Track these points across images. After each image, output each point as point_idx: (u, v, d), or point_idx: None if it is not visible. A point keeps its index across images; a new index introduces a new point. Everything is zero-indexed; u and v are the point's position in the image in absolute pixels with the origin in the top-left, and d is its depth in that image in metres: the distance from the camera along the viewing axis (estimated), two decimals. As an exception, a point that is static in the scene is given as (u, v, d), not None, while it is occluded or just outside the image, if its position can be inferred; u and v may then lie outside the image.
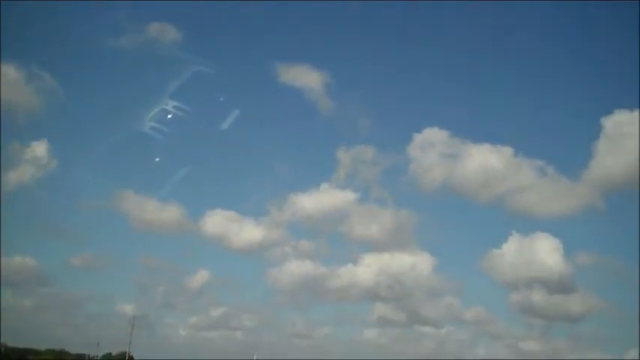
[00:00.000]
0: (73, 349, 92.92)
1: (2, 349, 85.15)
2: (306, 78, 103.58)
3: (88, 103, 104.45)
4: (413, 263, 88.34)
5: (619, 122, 78.82)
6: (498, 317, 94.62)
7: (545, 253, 78.41)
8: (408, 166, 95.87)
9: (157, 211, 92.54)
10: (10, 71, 79.08)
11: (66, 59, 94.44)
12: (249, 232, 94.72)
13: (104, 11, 68.70)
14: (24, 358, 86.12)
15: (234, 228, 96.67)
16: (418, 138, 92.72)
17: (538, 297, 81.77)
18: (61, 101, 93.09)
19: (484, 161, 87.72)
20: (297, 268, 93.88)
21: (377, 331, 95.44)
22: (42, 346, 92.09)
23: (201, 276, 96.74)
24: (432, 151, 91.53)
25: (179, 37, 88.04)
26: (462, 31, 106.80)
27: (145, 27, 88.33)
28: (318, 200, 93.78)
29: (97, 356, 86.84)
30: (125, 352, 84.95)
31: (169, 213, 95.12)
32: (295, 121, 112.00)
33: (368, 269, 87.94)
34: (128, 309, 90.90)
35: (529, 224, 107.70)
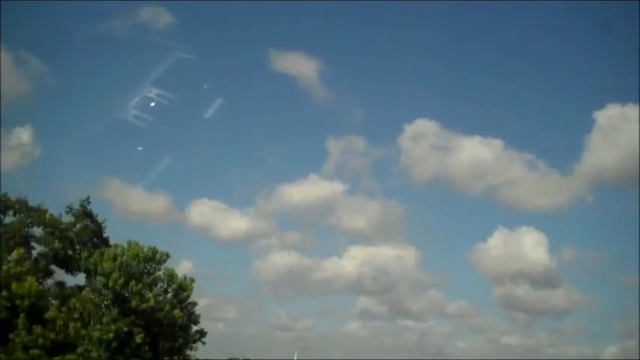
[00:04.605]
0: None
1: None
2: (300, 65, 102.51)
3: (75, 88, 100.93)
4: (398, 256, 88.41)
5: (611, 116, 79.48)
6: (481, 311, 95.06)
7: (531, 247, 79.24)
8: (399, 157, 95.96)
9: (142, 200, 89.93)
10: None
11: (55, 43, 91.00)
12: (235, 223, 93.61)
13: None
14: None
15: (220, 218, 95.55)
16: (409, 129, 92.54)
17: (522, 291, 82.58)
18: (47, 86, 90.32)
19: (474, 154, 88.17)
20: (282, 260, 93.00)
21: (359, 324, 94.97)
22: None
23: (185, 267, 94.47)
24: (422, 142, 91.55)
25: (172, 21, 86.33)
26: (457, 23, 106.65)
27: (139, 10, 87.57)
28: (306, 191, 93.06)
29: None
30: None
31: (155, 202, 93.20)
32: (287, 109, 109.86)
33: (353, 262, 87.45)
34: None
35: (517, 218, 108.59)
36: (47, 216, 41.38)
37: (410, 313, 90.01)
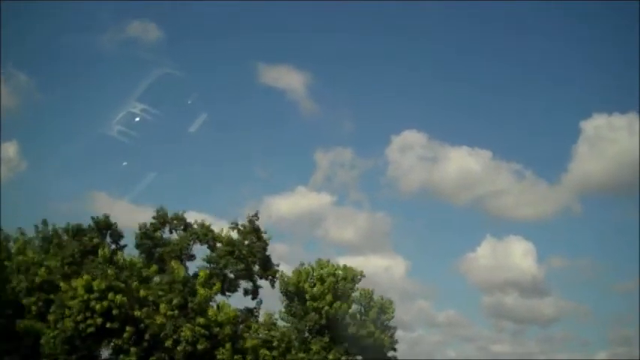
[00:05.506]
0: None
1: None
2: (288, 79, 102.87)
3: (61, 102, 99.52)
4: (387, 266, 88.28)
5: (598, 126, 79.35)
6: (471, 320, 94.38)
7: (519, 256, 78.00)
8: (386, 168, 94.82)
9: (129, 213, 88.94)
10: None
11: (41, 57, 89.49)
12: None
13: (87, 7, 65.07)
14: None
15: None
16: (397, 140, 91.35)
17: (511, 300, 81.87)
18: (33, 100, 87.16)
19: (462, 164, 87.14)
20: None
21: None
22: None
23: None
24: (410, 153, 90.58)
25: (160, 36, 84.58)
26: (444, 34, 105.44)
27: (127, 25, 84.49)
28: (294, 203, 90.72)
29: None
30: None
31: (142, 215, 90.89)
32: (275, 122, 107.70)
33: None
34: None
35: (506, 227, 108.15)
36: (223, 233, 37.64)
37: (399, 323, 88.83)
